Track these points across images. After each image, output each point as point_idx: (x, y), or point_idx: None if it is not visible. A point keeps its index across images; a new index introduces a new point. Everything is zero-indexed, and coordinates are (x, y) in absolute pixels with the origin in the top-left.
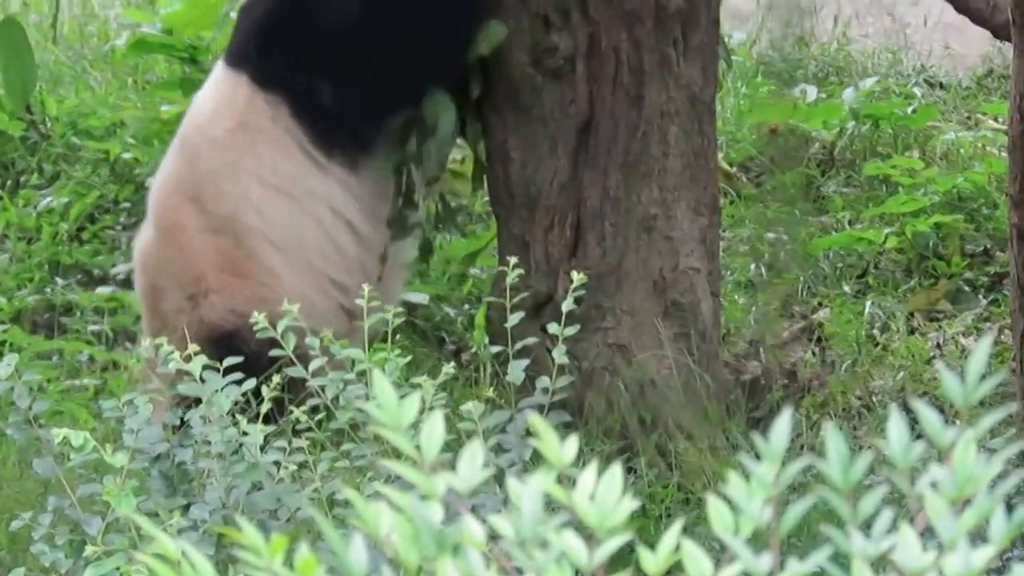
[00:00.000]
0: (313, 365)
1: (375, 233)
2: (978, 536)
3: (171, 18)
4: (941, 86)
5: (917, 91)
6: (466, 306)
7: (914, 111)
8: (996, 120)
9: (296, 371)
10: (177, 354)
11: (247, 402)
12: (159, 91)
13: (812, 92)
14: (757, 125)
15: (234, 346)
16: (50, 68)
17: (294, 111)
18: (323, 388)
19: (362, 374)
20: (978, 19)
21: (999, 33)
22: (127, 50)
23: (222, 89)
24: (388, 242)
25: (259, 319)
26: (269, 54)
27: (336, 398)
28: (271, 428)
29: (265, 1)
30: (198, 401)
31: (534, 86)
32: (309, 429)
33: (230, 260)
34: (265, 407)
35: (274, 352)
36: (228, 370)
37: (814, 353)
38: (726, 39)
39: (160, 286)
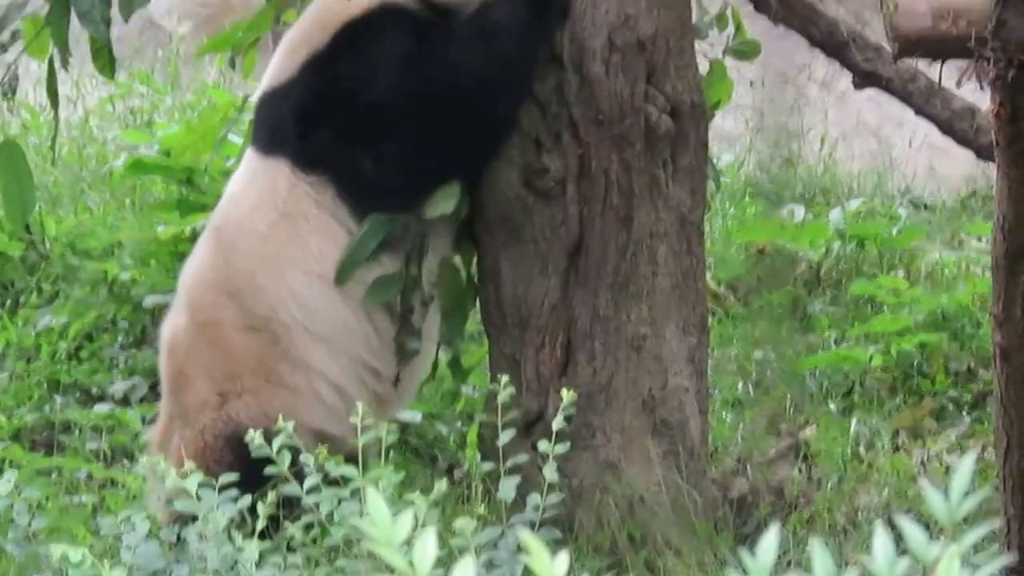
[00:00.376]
0: (309, 482)
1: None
2: None
3: (169, 140)
4: (926, 207)
5: (902, 211)
6: (459, 424)
7: (899, 231)
8: (980, 240)
9: (291, 488)
10: (174, 473)
11: (243, 519)
12: (156, 212)
13: (799, 212)
14: (745, 245)
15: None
16: (49, 189)
17: (339, 190)
18: (318, 505)
19: (356, 491)
20: (962, 140)
21: (983, 154)
22: (125, 172)
23: (260, 180)
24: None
25: (254, 436)
26: (310, 135)
27: (331, 514)
28: (267, 544)
29: (301, 85)
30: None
31: (525, 207)
32: (304, 545)
33: (266, 363)
34: (261, 524)
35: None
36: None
37: (800, 470)
38: (715, 161)
39: (188, 375)
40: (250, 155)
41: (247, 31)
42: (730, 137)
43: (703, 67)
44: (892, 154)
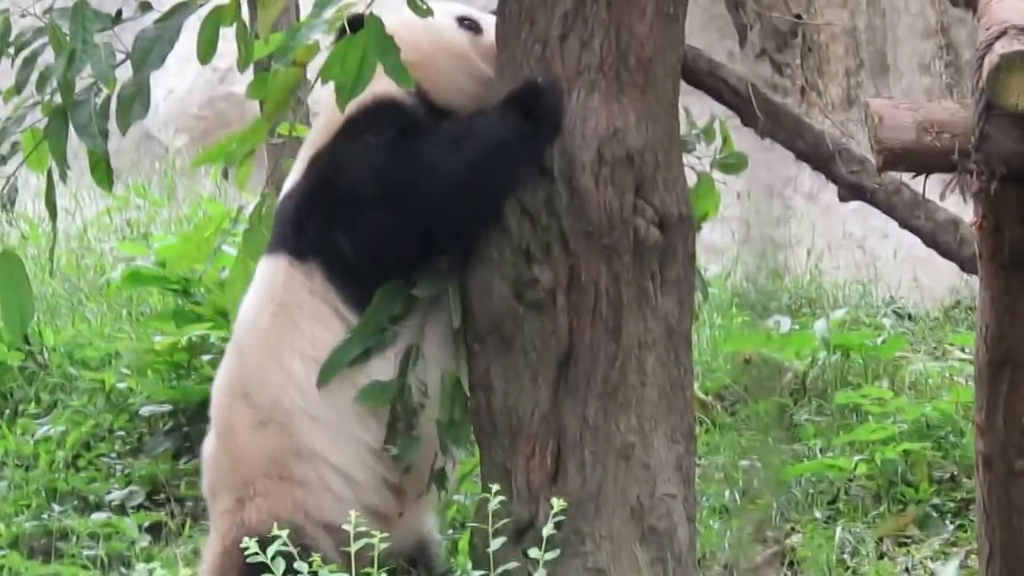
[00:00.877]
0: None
1: None
2: None
3: (164, 252)
4: (910, 317)
5: (886, 322)
6: (450, 531)
7: (883, 341)
8: (963, 351)
9: None
10: None
11: None
12: (153, 322)
13: (785, 323)
14: (732, 355)
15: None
16: (47, 300)
17: (327, 274)
18: None
19: None
20: (946, 252)
21: (966, 266)
22: (122, 283)
23: (263, 278)
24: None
25: (250, 544)
26: (303, 228)
27: None
28: None
29: (303, 183)
30: None
31: (516, 317)
32: None
33: (276, 459)
34: None
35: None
36: None
37: None
38: (702, 272)
39: (215, 489)
40: (261, 260)
41: (241, 143)
42: (717, 248)
43: (691, 180)
44: (877, 265)
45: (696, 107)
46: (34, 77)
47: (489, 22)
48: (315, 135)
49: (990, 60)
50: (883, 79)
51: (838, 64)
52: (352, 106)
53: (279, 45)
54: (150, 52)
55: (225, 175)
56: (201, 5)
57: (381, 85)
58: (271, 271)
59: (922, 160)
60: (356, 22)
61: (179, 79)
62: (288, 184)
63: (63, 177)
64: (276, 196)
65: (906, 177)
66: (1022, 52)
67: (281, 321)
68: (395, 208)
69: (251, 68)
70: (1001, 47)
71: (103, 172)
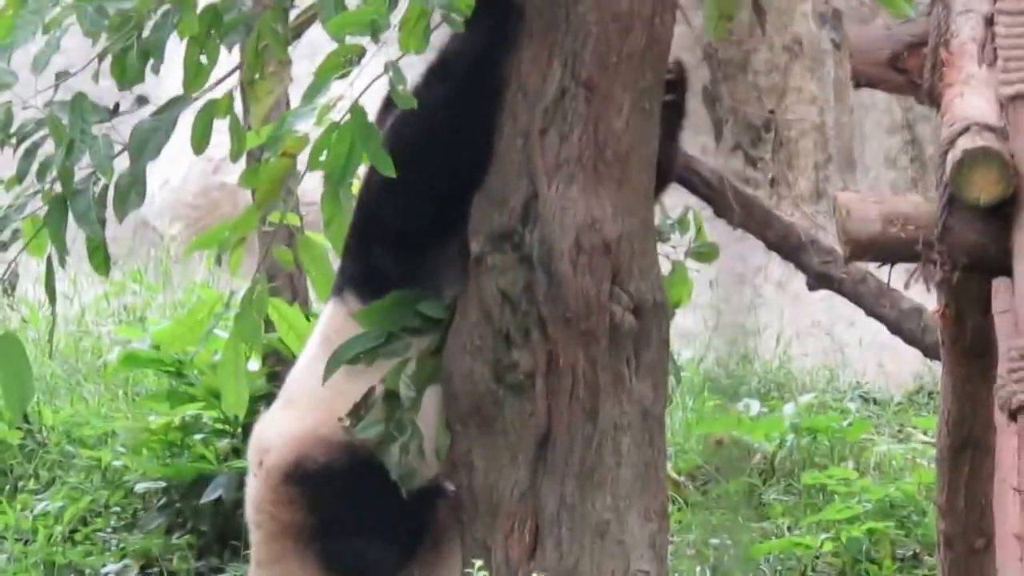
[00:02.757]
0: None
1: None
2: None
3: (160, 335)
4: (875, 401)
5: (852, 406)
6: None
7: (849, 425)
8: (926, 434)
9: None
10: None
11: None
12: (148, 402)
13: (755, 406)
14: (704, 437)
15: (301, 467)
16: (47, 381)
17: (359, 295)
18: None
19: None
20: (910, 340)
21: (929, 353)
22: (118, 364)
23: (316, 327)
24: None
25: None
26: (341, 271)
27: None
28: None
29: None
30: None
31: (496, 400)
32: None
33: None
34: None
35: None
36: None
37: None
38: (675, 357)
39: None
40: None
41: (233, 231)
42: (690, 334)
43: (665, 268)
44: (844, 351)
45: (671, 198)
46: (35, 167)
47: None
48: None
49: (953, 155)
50: (850, 173)
51: (807, 158)
52: None
53: (269, 136)
54: (147, 143)
55: (218, 261)
56: (196, 99)
57: None
58: (320, 318)
59: (887, 251)
60: None
61: (174, 169)
62: None
63: (62, 263)
64: (267, 282)
65: (872, 267)
66: (985, 148)
67: (325, 349)
68: (401, 177)
69: (244, 158)
70: (964, 143)
71: (101, 258)
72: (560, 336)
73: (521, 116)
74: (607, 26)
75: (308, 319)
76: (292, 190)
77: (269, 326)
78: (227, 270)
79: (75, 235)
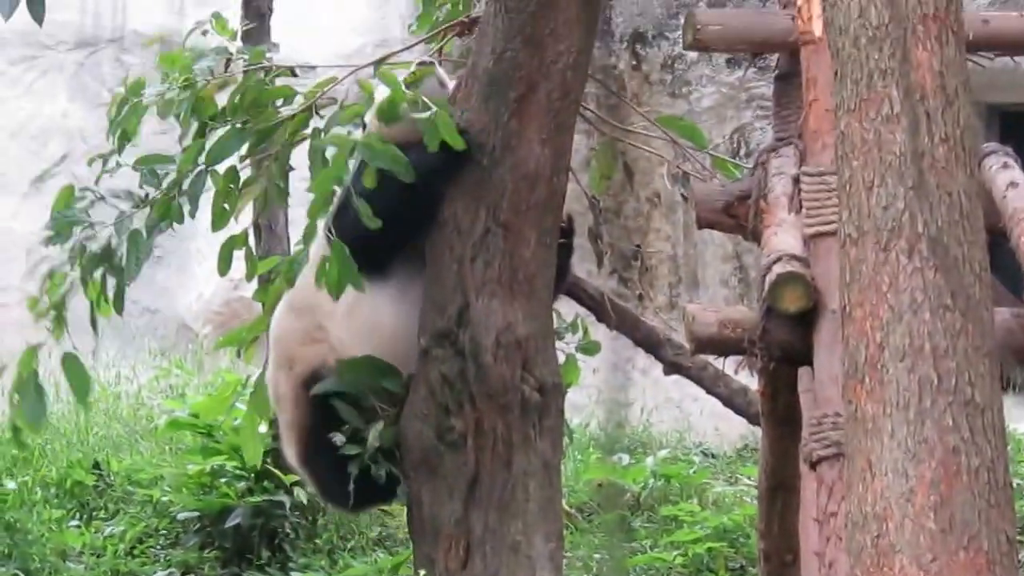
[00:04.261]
0: None
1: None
2: None
3: (196, 406)
4: (713, 455)
5: (696, 458)
6: None
7: (694, 472)
8: (749, 479)
9: None
10: None
11: None
12: (187, 456)
13: (626, 458)
14: (589, 480)
15: (318, 376)
16: (113, 439)
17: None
18: None
19: None
20: (738, 411)
21: (752, 420)
22: (165, 427)
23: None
24: None
25: None
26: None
27: None
28: None
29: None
30: None
31: (438, 453)
32: None
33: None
34: None
35: None
36: None
37: None
38: (568, 423)
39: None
40: None
41: (248, 332)
42: (579, 406)
43: (561, 358)
44: (689, 419)
45: (564, 308)
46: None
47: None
48: None
49: (770, 277)
50: (695, 290)
51: (664, 279)
52: None
53: (274, 267)
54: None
55: (239, 354)
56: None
57: None
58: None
59: (722, 347)
60: None
61: (206, 286)
62: None
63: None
64: None
65: (711, 358)
66: (792, 272)
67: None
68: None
69: (256, 279)
70: (778, 268)
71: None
72: (485, 408)
73: (456, 247)
74: (519, 183)
75: None
76: None
77: None
78: (244, 360)
79: (135, 332)
